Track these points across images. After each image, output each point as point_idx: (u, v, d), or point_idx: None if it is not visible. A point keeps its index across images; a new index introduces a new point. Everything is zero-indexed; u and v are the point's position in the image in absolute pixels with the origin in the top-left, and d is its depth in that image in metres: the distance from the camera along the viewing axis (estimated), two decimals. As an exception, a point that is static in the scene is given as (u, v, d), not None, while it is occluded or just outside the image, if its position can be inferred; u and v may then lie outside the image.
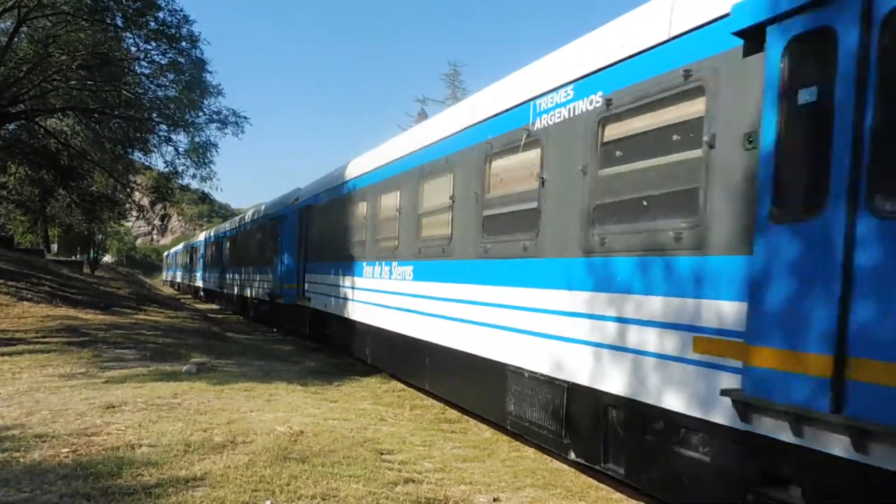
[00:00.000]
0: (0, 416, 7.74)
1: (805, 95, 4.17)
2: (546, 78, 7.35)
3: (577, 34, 7.63)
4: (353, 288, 13.97)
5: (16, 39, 19.90)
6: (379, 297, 12.42)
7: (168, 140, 23.03)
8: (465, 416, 10.59)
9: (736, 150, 4.76)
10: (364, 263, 13.24)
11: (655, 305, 5.46)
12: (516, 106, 7.85)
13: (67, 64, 18.97)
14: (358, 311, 13.80)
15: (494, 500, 6.54)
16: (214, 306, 38.08)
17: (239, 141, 25.35)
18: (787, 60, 4.29)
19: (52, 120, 24.27)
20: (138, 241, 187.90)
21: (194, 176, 25.56)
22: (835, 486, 4.06)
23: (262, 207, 23.91)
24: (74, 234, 46.69)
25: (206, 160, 24.20)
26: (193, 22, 20.48)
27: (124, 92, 20.84)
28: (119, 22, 20.33)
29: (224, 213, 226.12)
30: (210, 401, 9.63)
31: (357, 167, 14.16)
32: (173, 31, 19.66)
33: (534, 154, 7.46)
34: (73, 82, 20.22)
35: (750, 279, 4.51)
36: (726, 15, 4.77)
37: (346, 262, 14.37)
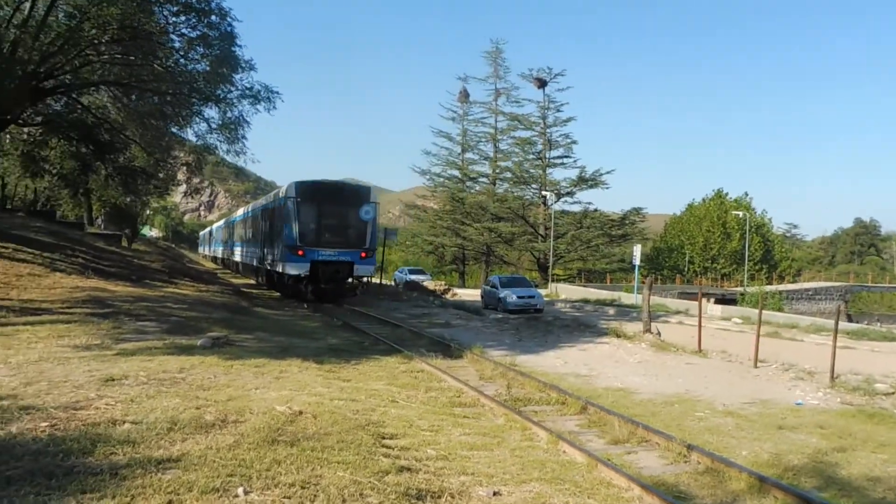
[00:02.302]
0: (-2, 386, 7.60)
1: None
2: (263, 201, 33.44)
3: None
4: (235, 251, 42.24)
5: (51, 15, 19.94)
6: (238, 253, 40.61)
7: (199, 114, 22.92)
8: (482, 400, 10.16)
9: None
10: (234, 243, 42.42)
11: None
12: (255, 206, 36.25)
13: (98, 38, 18.92)
14: (240, 257, 39.53)
15: (495, 493, 6.09)
16: (251, 281, 38.69)
17: (271, 117, 25.13)
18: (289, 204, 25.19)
19: (88, 96, 24.39)
20: (186, 217, 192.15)
21: (228, 151, 25.50)
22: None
23: (218, 222, 66.16)
24: (119, 209, 47.51)
25: (237, 136, 24.06)
26: (223, -5, 20.19)
27: (156, 66, 20.74)
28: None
29: (269, 189, 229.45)
30: (217, 376, 9.38)
31: (236, 214, 45.52)
32: (202, 4, 19.44)
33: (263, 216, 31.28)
34: (104, 57, 20.20)
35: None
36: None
37: (233, 245, 43.05)
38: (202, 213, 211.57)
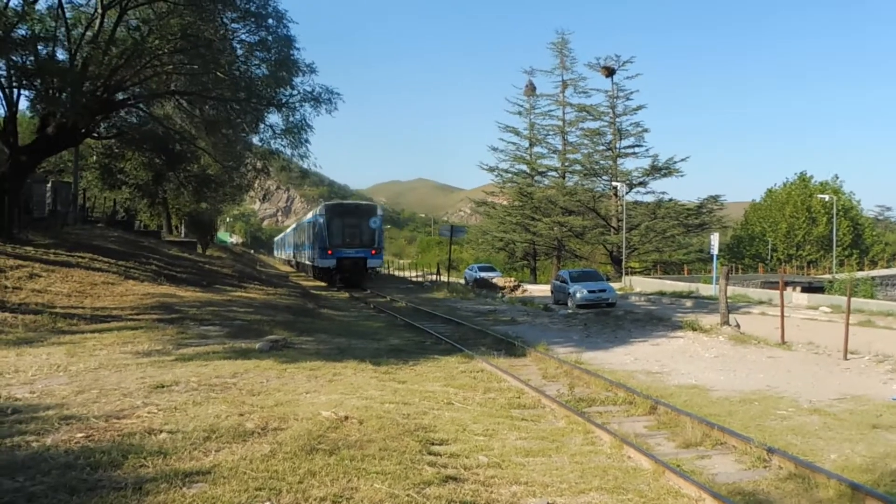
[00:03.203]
0: (51, 394, 7.64)
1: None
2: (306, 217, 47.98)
3: None
4: (294, 254, 55.43)
5: (118, 29, 20.53)
6: (299, 255, 50.37)
7: (262, 120, 23.14)
8: (543, 401, 9.64)
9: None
10: (297, 247, 51.87)
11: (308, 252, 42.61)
12: (298, 223, 53.63)
13: (161, 48, 19.35)
14: (299, 258, 50.54)
15: (548, 505, 5.62)
16: (322, 284, 39.48)
17: (332, 118, 24.99)
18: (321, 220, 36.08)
19: (157, 108, 25.03)
20: (265, 223, 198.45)
21: (292, 156, 25.75)
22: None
23: (289, 228, 73.10)
24: (195, 216, 49.12)
25: (301, 140, 24.19)
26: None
27: (218, 74, 21.02)
28: (219, 5, 20.40)
29: (343, 193, 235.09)
30: (269, 381, 9.23)
31: (289, 226, 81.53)
32: (260, 9, 19.59)
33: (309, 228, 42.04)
34: (168, 67, 20.65)
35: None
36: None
37: (296, 247, 53.71)
38: (279, 218, 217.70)
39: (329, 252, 35.00)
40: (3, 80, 20.76)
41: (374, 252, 36.18)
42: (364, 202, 42.16)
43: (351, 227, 35.97)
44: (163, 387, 8.17)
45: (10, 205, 21.31)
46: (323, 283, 39.48)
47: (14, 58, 20.10)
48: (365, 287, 35.80)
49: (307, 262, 44.10)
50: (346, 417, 7.22)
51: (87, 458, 5.18)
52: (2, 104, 21.87)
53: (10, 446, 5.46)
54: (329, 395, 8.57)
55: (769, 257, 71.80)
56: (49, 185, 28.25)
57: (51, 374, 9.00)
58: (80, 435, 5.78)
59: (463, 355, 13.33)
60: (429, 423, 7.79)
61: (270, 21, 19.83)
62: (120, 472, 4.96)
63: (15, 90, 21.30)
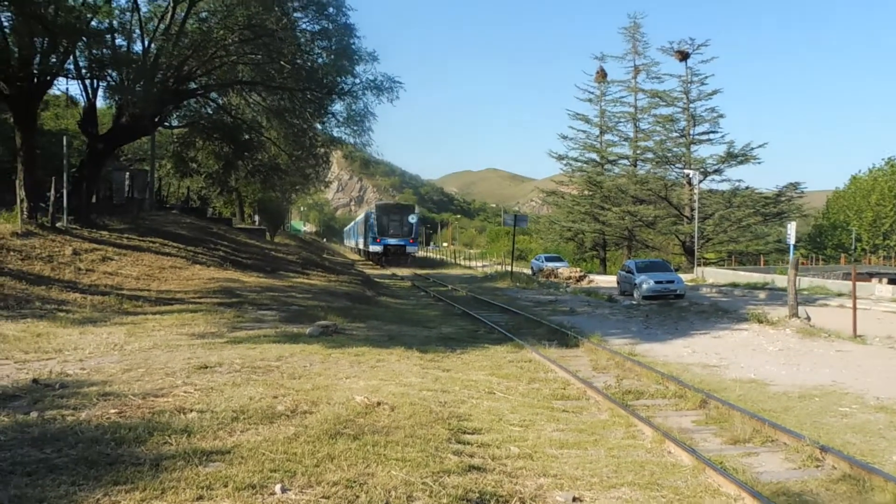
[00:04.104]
0: (99, 371, 7.92)
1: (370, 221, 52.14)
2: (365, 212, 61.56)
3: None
4: (357, 242, 65.80)
5: (188, 21, 21.16)
6: (359, 242, 61.81)
7: (326, 108, 23.45)
8: (588, 393, 9.37)
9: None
10: (359, 236, 61.07)
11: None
12: (360, 217, 63.93)
13: (226, 37, 19.85)
14: (359, 245, 61.61)
15: (574, 499, 5.41)
16: (387, 272, 39.95)
17: (393, 107, 24.86)
18: (372, 215, 50.90)
19: (226, 97, 25.72)
20: (338, 213, 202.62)
21: (355, 144, 26.07)
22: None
23: (353, 221, 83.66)
24: (267, 205, 50.47)
25: (364, 128, 24.42)
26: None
27: (282, 63, 21.41)
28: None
29: (414, 184, 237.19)
30: (312, 365, 9.31)
31: (358, 216, 76.03)
32: (320, -3, 19.84)
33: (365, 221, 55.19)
34: (233, 58, 21.16)
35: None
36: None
37: (357, 236, 65.91)
38: (352, 207, 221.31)
39: (378, 240, 48.88)
40: (84, 71, 21.73)
41: (411, 241, 50.28)
42: (405, 203, 64.77)
43: (394, 222, 49.22)
44: (206, 368, 8.34)
45: (88, 190, 22.35)
46: (387, 272, 40.58)
47: (94, 50, 21.04)
48: (428, 276, 39.48)
49: (363, 249, 56.71)
50: (379, 403, 7.18)
51: (113, 434, 5.31)
52: (83, 94, 22.94)
53: (45, 419, 5.67)
54: (368, 380, 8.57)
55: (853, 247, 68.15)
56: (127, 172, 29.47)
57: (106, 352, 9.35)
58: (113, 411, 5.94)
59: (513, 345, 13.14)
60: (464, 411, 7.68)
61: (331, 9, 20.07)
62: (143, 449, 5.06)
63: (94, 81, 22.28)
